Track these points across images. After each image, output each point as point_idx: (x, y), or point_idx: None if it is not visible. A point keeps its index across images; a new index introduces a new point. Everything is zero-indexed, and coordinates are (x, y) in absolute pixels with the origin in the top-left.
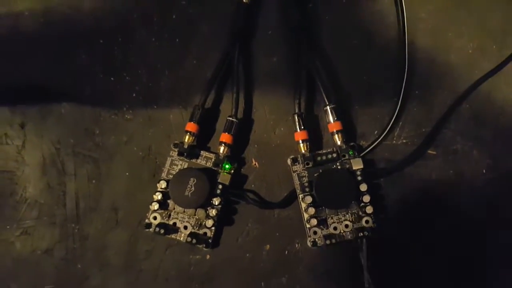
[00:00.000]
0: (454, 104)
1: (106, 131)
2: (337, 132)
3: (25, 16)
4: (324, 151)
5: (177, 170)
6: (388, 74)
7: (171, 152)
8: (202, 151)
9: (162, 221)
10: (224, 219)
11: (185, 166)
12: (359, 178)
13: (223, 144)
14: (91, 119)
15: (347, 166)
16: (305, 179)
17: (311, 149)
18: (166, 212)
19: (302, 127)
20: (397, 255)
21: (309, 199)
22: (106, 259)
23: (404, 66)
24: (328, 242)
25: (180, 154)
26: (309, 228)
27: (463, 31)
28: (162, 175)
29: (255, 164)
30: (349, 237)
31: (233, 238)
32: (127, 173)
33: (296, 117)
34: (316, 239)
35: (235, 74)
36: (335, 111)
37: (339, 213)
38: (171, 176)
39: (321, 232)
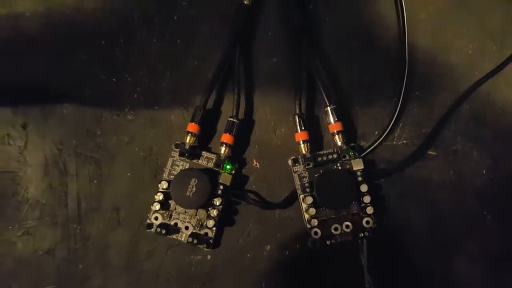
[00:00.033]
0: (454, 104)
1: (108, 132)
2: (338, 132)
3: (26, 17)
4: (324, 152)
5: (179, 171)
6: (388, 75)
7: (172, 152)
8: (203, 152)
9: (164, 221)
10: (225, 220)
11: (187, 167)
12: (360, 178)
13: (224, 145)
14: (92, 120)
15: (348, 166)
16: (306, 180)
17: (311, 149)
18: (167, 213)
19: (303, 128)
20: (397, 255)
21: (309, 199)
22: (108, 259)
23: (404, 67)
24: (328, 242)
25: (181, 154)
26: (310, 229)
27: (463, 32)
28: (164, 175)
29: (256, 165)
30: (349, 237)
31: (234, 239)
32: (129, 174)
33: (297, 118)
34: (317, 240)
35: (236, 75)
36: (336, 112)
37: (339, 214)
38: (172, 177)
39: (322, 233)
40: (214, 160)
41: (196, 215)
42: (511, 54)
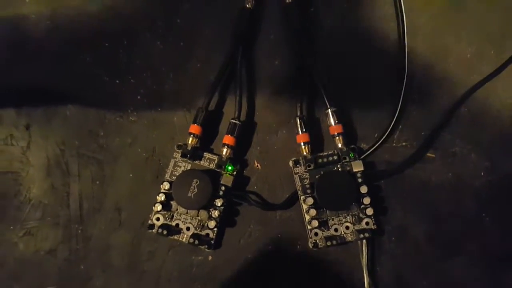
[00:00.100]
0: (453, 107)
1: (111, 133)
2: (338, 134)
3: (31, 19)
4: (325, 154)
5: (180, 172)
6: (388, 78)
7: (174, 153)
8: (205, 153)
9: (165, 222)
10: (226, 221)
11: (188, 168)
12: (360, 180)
13: (226, 146)
14: (95, 121)
15: (348, 168)
16: (307, 181)
17: (312, 151)
18: (169, 213)
19: (304, 130)
20: (397, 256)
21: (310, 200)
22: (109, 260)
23: (404, 70)
24: (329, 243)
25: (183, 155)
26: (310, 230)
27: (462, 36)
28: (166, 176)
29: (257, 166)
30: (349, 238)
31: (235, 239)
32: (131, 175)
33: (298, 120)
34: (317, 241)
35: (238, 77)
36: (336, 114)
37: (340, 215)
38: (174, 178)
39: (322, 234)
40: (215, 161)
41: (197, 216)
42: (509, 58)
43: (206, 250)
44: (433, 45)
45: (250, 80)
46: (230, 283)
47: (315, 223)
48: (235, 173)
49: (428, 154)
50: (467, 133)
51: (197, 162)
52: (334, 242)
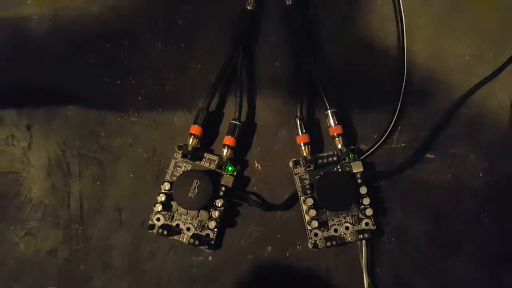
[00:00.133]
0: (452, 109)
1: (112, 134)
2: (338, 135)
3: (33, 20)
4: (325, 154)
5: (181, 172)
6: (387, 80)
7: (175, 154)
8: (205, 154)
9: (165, 222)
10: (226, 221)
11: (189, 168)
12: (359, 180)
13: (226, 147)
14: (96, 122)
15: (348, 169)
16: (307, 182)
17: (312, 152)
18: (169, 214)
19: (304, 131)
20: (396, 256)
21: (310, 201)
22: (109, 260)
23: (403, 72)
24: (328, 244)
25: (184, 156)
26: (310, 230)
27: (460, 38)
28: (166, 176)
29: (257, 167)
30: (349, 239)
31: (235, 240)
32: (132, 175)
33: (298, 121)
34: (317, 241)
35: (239, 78)
36: (336, 115)
37: (339, 215)
38: (175, 178)
39: (322, 234)
40: (216, 162)
41: (197, 216)
42: (507, 60)
43: (206, 250)
44: (432, 46)
45: (250, 81)
46: (230, 284)
47: (315, 223)
48: (235, 173)
49: (427, 155)
50: (466, 134)
51: (197, 162)
52: (334, 242)
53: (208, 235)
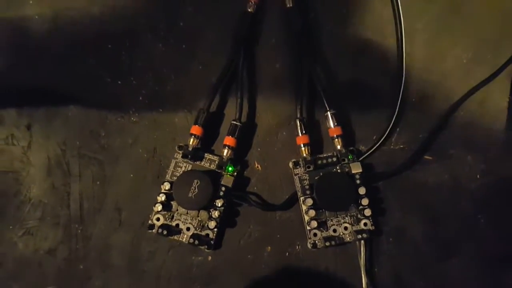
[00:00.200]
0: (449, 111)
1: (112, 134)
2: (337, 136)
3: (34, 20)
4: (324, 155)
5: (181, 172)
6: (386, 82)
7: (175, 154)
8: (206, 154)
9: (165, 222)
10: (226, 221)
11: (189, 168)
12: (358, 181)
13: (226, 147)
14: (97, 122)
15: (347, 169)
16: (306, 182)
17: (312, 153)
18: (169, 214)
19: (304, 132)
20: (394, 256)
21: (309, 201)
22: (109, 260)
23: (401, 74)
24: (327, 244)
25: (184, 156)
26: (310, 230)
27: (458, 41)
28: (166, 176)
29: (257, 167)
30: (348, 239)
31: (235, 240)
32: (132, 175)
33: (298, 122)
34: (316, 241)
35: (239, 79)
36: (335, 117)
37: (338, 216)
38: (175, 178)
39: (321, 234)
40: (216, 162)
41: (197, 216)
42: (505, 63)
43: (206, 250)
44: (430, 49)
45: (251, 82)
46: (230, 284)
47: (314, 223)
48: (235, 174)
49: (426, 157)
50: (464, 136)
51: (198, 162)
52: (333, 242)
53: (208, 235)
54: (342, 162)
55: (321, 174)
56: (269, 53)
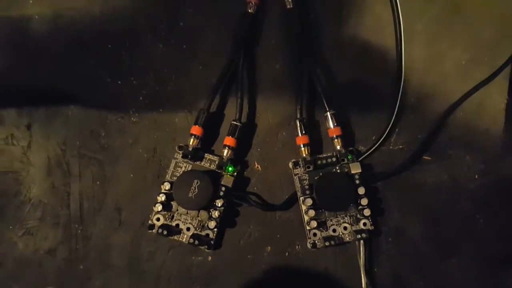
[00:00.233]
0: (448, 112)
1: (112, 134)
2: (337, 137)
3: (35, 20)
4: (324, 155)
5: (181, 172)
6: (385, 82)
7: (175, 154)
8: (206, 154)
9: (165, 222)
10: (226, 221)
11: (189, 168)
12: (358, 181)
13: (226, 147)
14: (97, 122)
15: (346, 170)
16: (306, 182)
17: (311, 153)
18: (169, 214)
19: (304, 132)
20: (394, 256)
21: (309, 201)
22: (109, 260)
23: (401, 75)
24: (327, 243)
25: (184, 156)
26: (309, 230)
27: (457, 43)
28: (166, 177)
29: (257, 167)
30: (347, 239)
31: (235, 240)
32: (132, 175)
33: (298, 122)
34: (316, 241)
35: (240, 80)
36: (335, 117)
37: (338, 216)
38: (175, 178)
39: (321, 234)
40: (216, 162)
41: (197, 216)
42: (503, 65)
43: (206, 250)
44: (429, 50)
45: (251, 82)
46: (230, 284)
47: (314, 223)
48: (235, 174)
49: (424, 157)
50: (462, 136)
51: (198, 163)
52: (333, 242)
53: (208, 235)
54: (342, 162)
55: (320, 174)
56: (269, 54)
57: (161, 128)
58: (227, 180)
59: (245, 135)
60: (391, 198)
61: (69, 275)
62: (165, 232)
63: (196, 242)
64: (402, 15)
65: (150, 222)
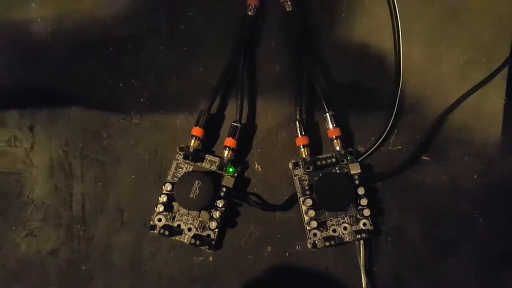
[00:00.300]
0: (446, 112)
1: (114, 135)
2: (336, 138)
3: (37, 22)
4: (324, 156)
5: (182, 173)
6: (384, 84)
7: (176, 155)
8: (207, 155)
9: (167, 223)
10: (227, 221)
11: (190, 169)
12: (357, 182)
13: (227, 148)
14: (99, 123)
15: (346, 170)
16: (306, 183)
17: (311, 154)
18: (170, 214)
19: (303, 133)
20: (393, 256)
21: (309, 202)
22: (111, 260)
23: (399, 76)
24: (327, 244)
25: (185, 157)
26: (309, 230)
27: (455, 44)
28: (168, 177)
29: (258, 168)
30: (347, 239)
31: (235, 240)
32: (133, 176)
33: (298, 123)
34: (316, 241)
35: (240, 81)
36: (334, 118)
37: (338, 216)
38: (176, 179)
39: (321, 234)
40: (217, 163)
41: (199, 217)
42: (500, 66)
43: (207, 250)
44: (427, 53)
45: (251, 84)
46: (231, 284)
47: (314, 223)
48: (236, 174)
49: (423, 157)
50: (461, 137)
51: (199, 164)
52: (333, 242)
53: (209, 235)
54: (341, 163)
55: (320, 174)
56: (269, 56)
57: (162, 129)
58: (228, 181)
59: (245, 136)
60: (390, 198)
61: (71, 276)
62: (166, 233)
63: (197, 242)
64: (400, 17)
65: (151, 222)
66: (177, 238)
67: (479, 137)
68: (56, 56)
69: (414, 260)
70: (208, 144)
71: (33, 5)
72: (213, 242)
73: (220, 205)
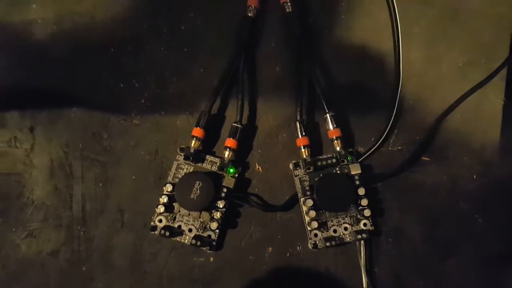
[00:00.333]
0: (446, 113)
1: (114, 136)
2: (337, 138)
3: (38, 24)
4: (324, 157)
5: (183, 174)
6: (383, 85)
7: (177, 156)
8: (207, 156)
9: (167, 223)
10: (228, 222)
11: (191, 170)
12: (357, 182)
13: (228, 149)
14: (99, 124)
15: (346, 171)
16: (306, 183)
17: (312, 154)
18: (171, 215)
19: (304, 134)
20: (393, 256)
21: (310, 202)
22: (111, 261)
23: (399, 77)
24: (328, 244)
25: (186, 158)
26: (310, 231)
27: (454, 45)
28: (168, 178)
29: (258, 169)
30: (348, 239)
31: (236, 241)
32: (134, 177)
33: (298, 124)
34: (317, 242)
35: (240, 82)
36: (335, 119)
37: (338, 216)
38: (177, 180)
39: (322, 235)
40: (218, 164)
41: (199, 218)
42: (499, 66)
43: (208, 251)
44: (426, 53)
45: (251, 85)
46: (231, 284)
47: (315, 224)
48: (236, 175)
49: (423, 158)
50: (460, 137)
51: (199, 164)
52: (333, 242)
53: (209, 236)
54: (342, 163)
55: (321, 175)
56: (269, 56)
57: (163, 130)
58: (229, 182)
59: (245, 137)
60: (390, 198)
61: (72, 277)
62: (167, 233)
63: (198, 243)
64: (400, 18)
65: (152, 223)
66: (177, 239)
67: (479, 137)
68: (57, 57)
69: (414, 260)
70: (209, 144)
71: (34, 6)
72: (213, 243)
73: (221, 206)
